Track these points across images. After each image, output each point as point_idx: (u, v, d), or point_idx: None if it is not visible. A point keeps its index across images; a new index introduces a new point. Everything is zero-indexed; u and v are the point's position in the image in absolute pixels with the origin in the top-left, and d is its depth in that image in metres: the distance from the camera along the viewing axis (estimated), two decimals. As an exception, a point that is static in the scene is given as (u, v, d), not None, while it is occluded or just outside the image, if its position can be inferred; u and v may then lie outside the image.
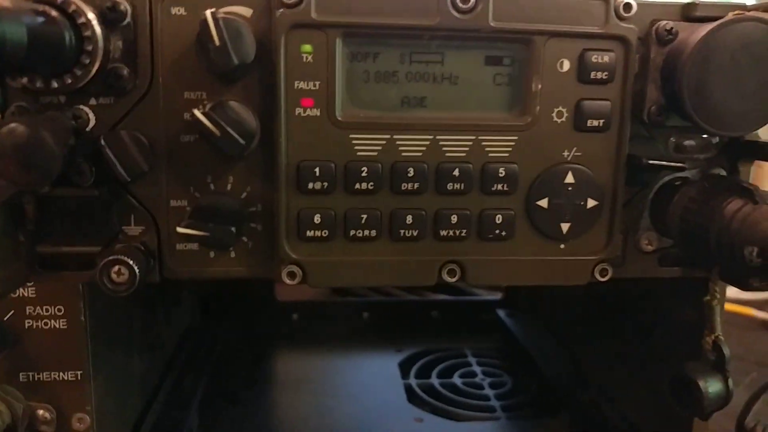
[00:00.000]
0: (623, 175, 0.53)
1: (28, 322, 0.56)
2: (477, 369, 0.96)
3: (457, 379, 0.91)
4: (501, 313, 1.11)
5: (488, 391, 0.89)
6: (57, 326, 0.57)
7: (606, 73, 0.51)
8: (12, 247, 0.49)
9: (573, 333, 0.95)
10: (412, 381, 0.91)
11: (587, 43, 0.51)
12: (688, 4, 0.53)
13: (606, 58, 0.51)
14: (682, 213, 0.52)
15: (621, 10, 0.50)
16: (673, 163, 0.53)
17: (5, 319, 0.56)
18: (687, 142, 0.55)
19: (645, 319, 0.73)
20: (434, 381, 0.91)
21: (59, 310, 0.57)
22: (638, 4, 0.51)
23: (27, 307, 0.56)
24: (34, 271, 0.51)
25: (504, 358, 0.99)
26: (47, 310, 0.56)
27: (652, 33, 0.52)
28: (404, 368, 0.95)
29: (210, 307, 1.08)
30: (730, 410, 0.55)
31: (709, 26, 0.49)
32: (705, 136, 0.55)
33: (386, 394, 0.87)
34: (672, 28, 0.52)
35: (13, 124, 0.42)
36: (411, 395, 0.87)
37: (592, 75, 0.51)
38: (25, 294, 0.56)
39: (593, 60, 0.51)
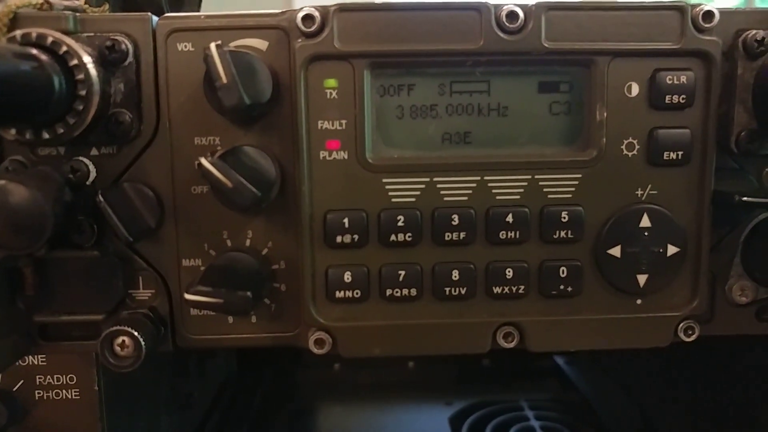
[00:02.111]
0: (709, 215, 0.46)
1: (39, 393, 0.53)
2: (535, 424, 0.88)
3: (514, 437, 0.83)
4: (559, 360, 1.02)
5: (549, 450, 0.81)
6: (69, 396, 0.53)
7: (683, 96, 0.45)
8: (9, 316, 0.45)
9: (642, 382, 0.86)
10: (465, 440, 0.83)
11: (660, 62, 0.45)
12: (781, 10, 0.46)
13: (683, 79, 0.44)
14: (788, 260, 0.43)
15: (700, 21, 0.43)
16: (771, 200, 0.45)
17: (14, 389, 0.52)
18: (788, 173, 0.47)
19: (741, 369, 0.64)
20: (489, 439, 0.83)
21: (71, 379, 0.53)
22: (720, 13, 0.44)
23: (37, 376, 0.53)
24: (34, 343, 0.47)
25: (564, 411, 0.90)
26: (58, 379, 0.53)
27: (739, 45, 0.45)
28: (455, 424, 0.87)
29: (247, 357, 1.04)
30: None
31: (809, 35, 0.41)
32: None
33: (437, 453, 0.80)
34: (763, 38, 0.45)
35: (0, 182, 0.38)
36: (464, 455, 0.80)
37: (667, 99, 0.45)
38: (35, 362, 0.52)
39: (667, 81, 0.44)
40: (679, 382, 0.77)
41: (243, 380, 0.98)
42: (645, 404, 0.84)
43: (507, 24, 0.43)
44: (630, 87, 0.45)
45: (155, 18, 0.45)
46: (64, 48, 0.39)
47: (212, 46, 0.39)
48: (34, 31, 0.39)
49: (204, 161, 0.40)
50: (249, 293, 0.42)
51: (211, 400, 0.89)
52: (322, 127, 0.44)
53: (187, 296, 0.42)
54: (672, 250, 0.46)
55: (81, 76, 0.40)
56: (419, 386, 0.99)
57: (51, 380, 0.52)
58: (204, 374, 0.88)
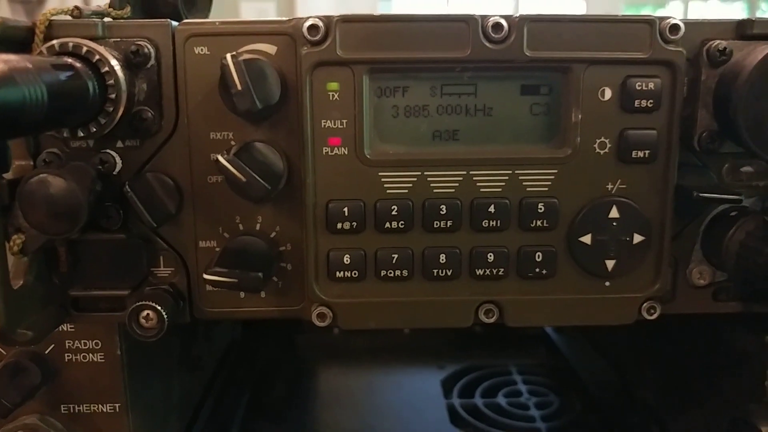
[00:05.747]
0: (672, 208, 0.50)
1: (68, 356, 0.57)
2: (522, 387, 0.92)
3: (501, 399, 0.88)
4: (548, 329, 1.07)
5: (533, 412, 0.86)
6: (95, 360, 0.57)
7: (651, 101, 0.48)
8: (47, 291, 0.49)
9: (622, 353, 0.91)
10: (455, 401, 0.88)
11: (630, 70, 0.48)
12: (744, 21, 0.49)
13: (651, 85, 0.48)
14: (740, 249, 0.48)
15: (667, 33, 0.47)
16: (728, 196, 0.49)
17: (46, 352, 0.57)
18: (744, 169, 0.51)
19: (702, 342, 0.69)
20: (478, 401, 0.88)
21: (96, 344, 0.57)
22: (687, 24, 0.47)
23: (66, 341, 0.57)
24: (68, 314, 0.52)
25: (550, 376, 0.95)
26: (85, 344, 0.57)
27: (703, 54, 0.49)
28: (447, 386, 0.92)
29: (252, 323, 1.08)
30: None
31: (767, 47, 0.45)
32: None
33: (428, 413, 0.85)
34: (725, 48, 0.48)
35: (42, 175, 0.43)
36: (454, 416, 0.84)
37: (636, 103, 0.48)
38: (64, 328, 0.56)
39: (637, 87, 0.48)
40: (654, 352, 0.81)
41: (247, 344, 1.03)
42: (624, 371, 0.88)
43: (492, 34, 0.46)
44: (603, 91, 0.48)
45: (174, 23, 0.48)
46: (97, 56, 0.43)
47: (228, 56, 0.43)
48: (71, 41, 0.43)
49: (220, 158, 0.45)
50: (260, 273, 0.47)
51: (217, 362, 0.94)
52: (325, 125, 0.48)
53: (206, 276, 0.47)
54: (638, 238, 0.50)
55: (111, 81, 0.44)
56: (413, 351, 1.03)
57: (79, 345, 0.56)
58: (211, 339, 0.93)
